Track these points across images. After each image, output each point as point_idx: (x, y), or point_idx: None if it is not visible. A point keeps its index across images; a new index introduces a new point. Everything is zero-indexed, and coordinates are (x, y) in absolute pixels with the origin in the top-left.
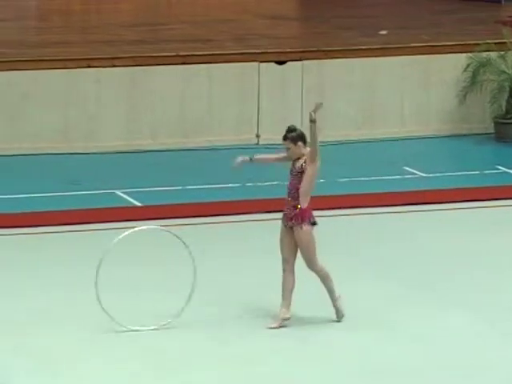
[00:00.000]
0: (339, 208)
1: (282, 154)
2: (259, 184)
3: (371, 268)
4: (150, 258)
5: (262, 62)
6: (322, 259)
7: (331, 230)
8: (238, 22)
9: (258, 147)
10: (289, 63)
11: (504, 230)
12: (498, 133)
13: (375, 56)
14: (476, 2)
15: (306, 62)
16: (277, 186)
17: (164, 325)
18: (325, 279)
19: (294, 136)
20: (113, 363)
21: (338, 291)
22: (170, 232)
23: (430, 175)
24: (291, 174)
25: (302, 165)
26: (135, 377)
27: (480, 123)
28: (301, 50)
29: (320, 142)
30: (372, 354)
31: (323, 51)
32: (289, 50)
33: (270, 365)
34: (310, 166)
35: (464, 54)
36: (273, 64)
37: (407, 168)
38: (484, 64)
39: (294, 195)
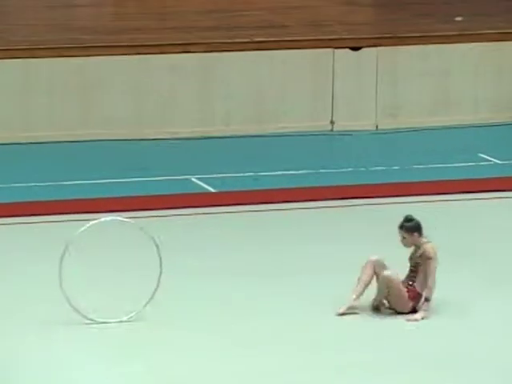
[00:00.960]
0: (414, 195)
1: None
2: (334, 171)
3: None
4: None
5: (336, 48)
6: None
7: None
8: (313, 8)
9: (332, 133)
10: (364, 49)
11: None
12: None
13: (450, 42)
14: None
15: (380, 49)
16: (350, 172)
17: (131, 317)
18: None
19: (410, 226)
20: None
21: None
22: (133, 223)
23: (505, 162)
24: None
25: (420, 255)
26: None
27: None
28: (376, 36)
29: (394, 128)
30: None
31: (398, 38)
32: (364, 36)
33: (343, 351)
34: (430, 261)
35: None
36: (347, 50)
37: (482, 155)
38: None
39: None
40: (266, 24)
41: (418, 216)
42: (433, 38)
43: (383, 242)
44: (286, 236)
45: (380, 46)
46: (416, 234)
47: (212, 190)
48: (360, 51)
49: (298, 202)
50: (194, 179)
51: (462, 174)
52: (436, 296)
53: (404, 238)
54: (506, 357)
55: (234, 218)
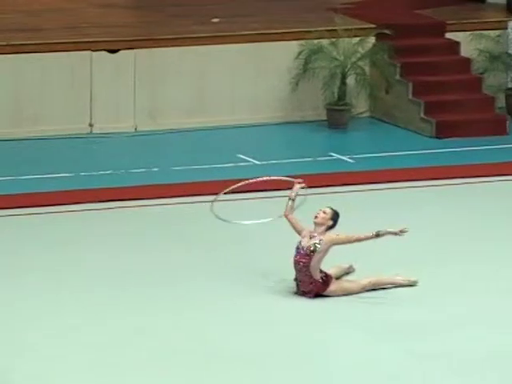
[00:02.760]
0: (175, 197)
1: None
2: (94, 173)
3: None
4: None
5: (94, 50)
6: None
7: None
8: (69, 11)
9: (91, 136)
10: (121, 52)
11: None
12: (331, 120)
13: (207, 44)
14: None
15: (137, 51)
16: (110, 175)
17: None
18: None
19: (334, 213)
20: None
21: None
22: None
23: (264, 163)
24: (298, 251)
25: (314, 244)
26: None
27: (313, 110)
28: (132, 38)
29: (153, 130)
30: None
31: (154, 40)
32: (121, 38)
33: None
34: (327, 246)
35: (296, 42)
36: (105, 53)
37: (241, 155)
38: (316, 51)
39: (305, 273)
40: (23, 27)
41: (183, 216)
42: (189, 39)
43: (149, 243)
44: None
45: (137, 48)
46: (331, 224)
47: None
48: (117, 53)
49: (62, 205)
50: None
51: (222, 174)
52: None
53: (319, 223)
54: None
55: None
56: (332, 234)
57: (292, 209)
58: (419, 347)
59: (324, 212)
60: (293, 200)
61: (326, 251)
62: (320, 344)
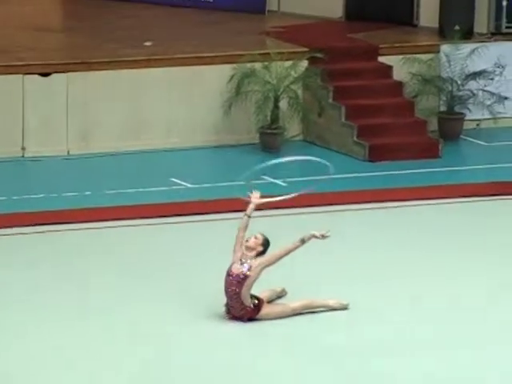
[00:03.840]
0: (105, 220)
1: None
2: (25, 197)
3: None
4: None
5: (26, 74)
6: None
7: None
8: (1, 35)
9: (23, 159)
10: (53, 75)
11: None
12: (264, 143)
13: (140, 67)
14: (240, 13)
15: (70, 74)
16: (42, 198)
17: None
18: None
19: (265, 240)
20: None
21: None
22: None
23: (197, 186)
24: (229, 277)
25: (245, 271)
26: None
27: (246, 134)
28: (65, 62)
29: (86, 153)
30: None
31: (87, 63)
32: (53, 62)
33: None
34: (257, 271)
35: (228, 65)
36: (37, 76)
37: (174, 179)
38: (248, 75)
39: (236, 300)
40: None
41: (111, 240)
42: (122, 62)
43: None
44: None
45: (70, 71)
46: (261, 250)
47: None
48: (50, 77)
49: None
50: None
51: (155, 198)
52: None
53: (252, 247)
54: None
55: None
56: (261, 258)
57: (246, 227)
58: (350, 369)
59: (256, 237)
60: (249, 217)
61: (256, 276)
62: (250, 369)
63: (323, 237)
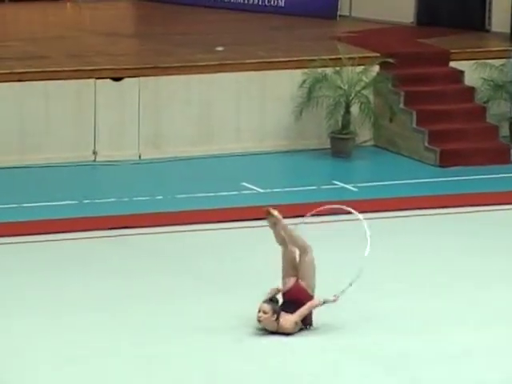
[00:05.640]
0: (181, 224)
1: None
2: (96, 201)
3: None
4: None
5: (98, 78)
6: None
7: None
8: (73, 39)
9: (95, 163)
10: (125, 79)
11: None
12: (334, 148)
13: (212, 72)
14: (311, 19)
15: (142, 79)
16: (113, 202)
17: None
18: None
19: (272, 305)
20: None
21: None
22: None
23: (268, 191)
24: None
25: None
26: None
27: (316, 139)
28: (137, 66)
29: (157, 158)
30: None
31: (160, 68)
32: (125, 66)
33: None
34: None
35: (300, 70)
36: (109, 80)
37: (245, 184)
38: (320, 80)
39: None
40: (27, 55)
41: (184, 244)
42: (194, 67)
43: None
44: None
45: (141, 76)
46: (275, 316)
47: None
48: (122, 81)
49: (61, 232)
50: None
51: (226, 202)
52: None
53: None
54: None
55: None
56: (289, 319)
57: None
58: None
59: (263, 312)
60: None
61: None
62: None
63: (334, 301)
